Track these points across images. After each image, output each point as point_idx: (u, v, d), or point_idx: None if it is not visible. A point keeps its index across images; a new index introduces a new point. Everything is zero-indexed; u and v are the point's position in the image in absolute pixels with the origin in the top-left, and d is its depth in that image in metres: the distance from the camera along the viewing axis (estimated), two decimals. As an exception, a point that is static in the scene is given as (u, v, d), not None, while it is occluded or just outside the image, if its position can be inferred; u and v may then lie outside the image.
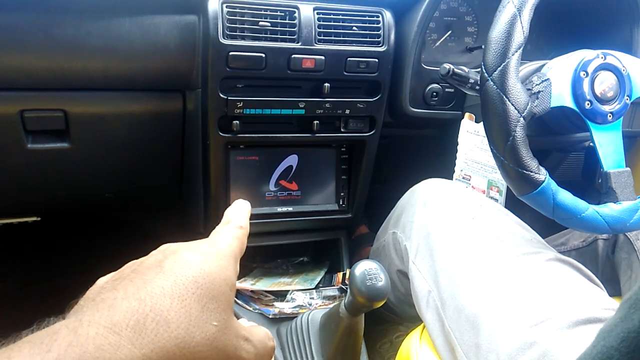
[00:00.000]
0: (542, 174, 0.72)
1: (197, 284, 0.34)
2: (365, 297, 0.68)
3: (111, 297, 0.32)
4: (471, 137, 0.93)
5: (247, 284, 0.91)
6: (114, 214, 1.24)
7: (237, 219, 0.42)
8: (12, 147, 0.81)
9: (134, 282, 0.34)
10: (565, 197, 0.74)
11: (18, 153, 0.82)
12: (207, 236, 0.84)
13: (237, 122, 0.84)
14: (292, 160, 0.93)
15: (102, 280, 0.37)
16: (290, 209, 0.95)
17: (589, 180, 0.97)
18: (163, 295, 0.33)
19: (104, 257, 1.24)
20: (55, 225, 1.25)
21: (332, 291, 0.93)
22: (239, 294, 0.90)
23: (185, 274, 0.34)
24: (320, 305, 0.89)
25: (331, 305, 0.80)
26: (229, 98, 0.82)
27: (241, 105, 0.83)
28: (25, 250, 1.28)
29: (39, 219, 1.09)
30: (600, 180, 0.77)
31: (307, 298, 0.90)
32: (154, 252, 0.38)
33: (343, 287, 0.88)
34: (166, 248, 0.38)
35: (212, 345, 0.34)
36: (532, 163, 0.71)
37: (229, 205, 0.92)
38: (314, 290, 0.92)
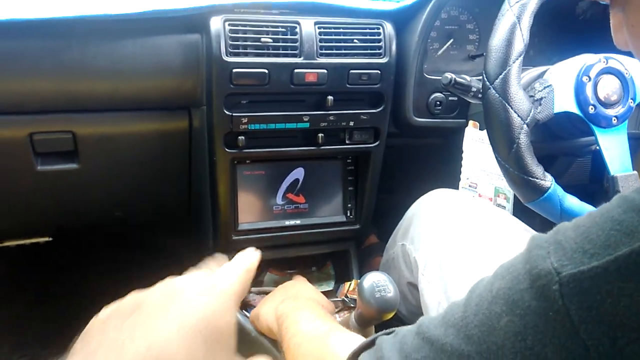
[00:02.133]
0: (547, 180, 0.71)
1: (200, 328, 0.34)
2: (375, 309, 0.68)
3: (119, 339, 0.33)
4: (476, 144, 0.93)
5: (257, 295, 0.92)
6: (124, 232, 1.25)
7: (245, 262, 0.42)
8: (22, 170, 0.83)
9: (140, 325, 0.34)
10: (573, 202, 0.73)
11: (28, 175, 0.83)
12: (216, 252, 0.85)
13: (243, 137, 0.85)
14: (299, 173, 0.94)
15: (104, 314, 0.37)
16: (298, 221, 0.95)
17: (598, 184, 0.96)
18: (169, 341, 0.33)
19: (117, 275, 1.25)
20: (67, 244, 1.26)
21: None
22: (249, 306, 0.90)
23: (190, 318, 0.35)
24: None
25: (339, 318, 0.80)
26: (234, 114, 0.83)
27: (246, 121, 0.84)
28: (38, 271, 1.29)
29: (50, 239, 1.11)
30: (607, 184, 0.77)
31: None
32: (159, 287, 0.38)
33: (345, 299, 0.87)
34: (171, 286, 0.38)
35: None
36: (537, 169, 0.71)
37: (237, 220, 0.92)
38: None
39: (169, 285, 0.38)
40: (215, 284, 0.39)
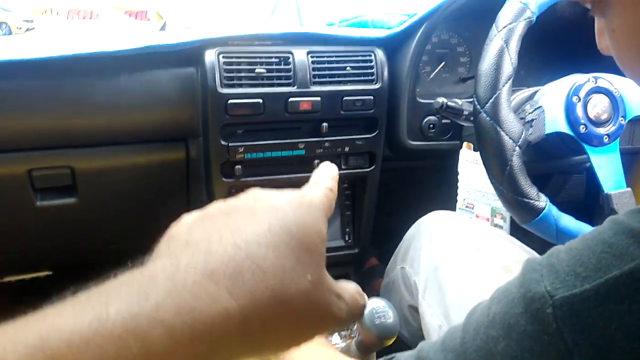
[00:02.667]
0: (542, 201, 0.72)
1: (291, 234, 0.32)
2: (375, 335, 0.68)
3: (205, 241, 0.31)
4: (471, 166, 0.94)
5: None
6: (124, 264, 1.25)
7: (325, 181, 0.40)
8: (21, 206, 0.83)
9: (228, 226, 0.32)
10: (568, 222, 0.74)
11: (27, 211, 0.84)
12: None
13: (240, 167, 0.85)
14: (296, 199, 0.94)
15: (188, 219, 0.35)
16: (297, 247, 0.96)
17: (594, 199, 0.97)
18: (258, 244, 0.31)
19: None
20: (66, 278, 1.26)
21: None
22: None
23: (279, 223, 0.32)
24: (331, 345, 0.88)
25: (339, 345, 0.80)
26: (230, 144, 0.84)
27: (242, 150, 0.85)
28: (39, 306, 1.29)
29: (50, 273, 1.11)
30: (602, 203, 0.78)
31: None
32: (243, 196, 0.36)
33: None
34: (256, 192, 0.36)
35: (306, 300, 0.31)
36: (531, 190, 0.72)
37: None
38: None
39: (254, 194, 0.36)
40: (302, 196, 0.36)
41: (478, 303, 0.43)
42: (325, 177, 0.40)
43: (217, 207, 0.35)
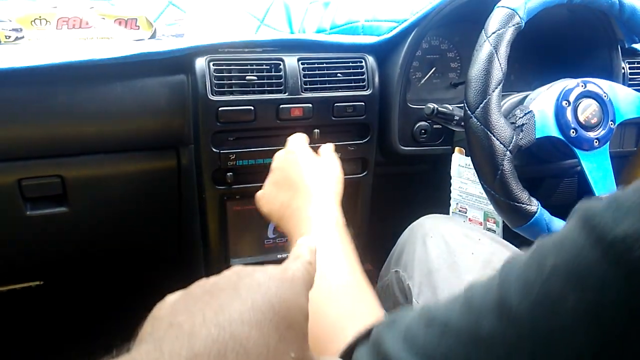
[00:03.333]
0: (533, 205, 0.72)
1: (274, 310, 0.32)
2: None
3: (189, 322, 0.31)
4: (463, 170, 0.94)
5: None
6: (115, 272, 1.24)
7: (305, 255, 0.41)
8: (11, 216, 0.83)
9: (211, 305, 0.32)
10: (560, 225, 0.74)
11: (17, 220, 0.83)
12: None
13: (231, 174, 0.85)
14: (289, 206, 0.94)
15: (171, 299, 0.35)
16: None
17: (586, 203, 0.97)
18: (241, 322, 0.31)
19: (109, 317, 1.24)
20: (58, 287, 1.25)
21: None
22: None
23: (262, 299, 0.33)
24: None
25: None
26: (222, 151, 0.84)
27: (234, 157, 0.84)
28: (31, 316, 1.27)
29: (41, 282, 1.10)
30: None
31: None
32: (226, 273, 0.37)
33: None
34: (239, 270, 0.37)
35: None
36: (522, 195, 0.72)
37: (229, 256, 0.92)
38: None
39: (237, 271, 0.37)
40: (283, 271, 0.37)
41: (507, 263, 0.37)
42: (305, 251, 0.42)
43: (200, 285, 0.36)
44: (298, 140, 0.77)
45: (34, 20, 0.85)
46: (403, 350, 0.34)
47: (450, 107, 0.82)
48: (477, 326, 0.32)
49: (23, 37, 0.84)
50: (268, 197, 0.73)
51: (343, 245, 0.61)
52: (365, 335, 0.40)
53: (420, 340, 0.34)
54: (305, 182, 0.69)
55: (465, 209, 0.96)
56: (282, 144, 0.87)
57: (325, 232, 0.62)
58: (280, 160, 0.74)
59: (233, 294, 0.33)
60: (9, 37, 0.82)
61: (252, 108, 0.82)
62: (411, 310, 0.38)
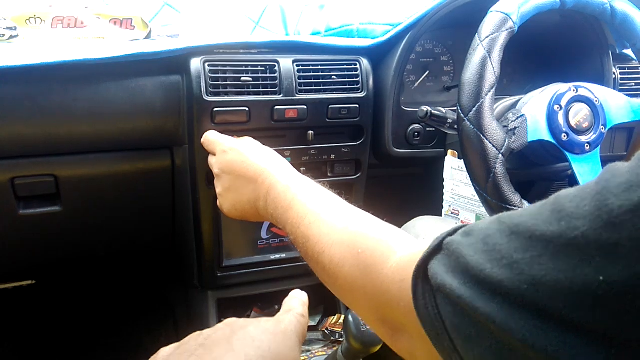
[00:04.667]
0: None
1: None
2: (361, 342, 0.68)
3: None
4: (456, 173, 0.95)
5: None
6: (108, 272, 1.24)
7: (297, 308, 0.43)
8: (3, 214, 0.82)
9: (204, 359, 0.33)
10: (551, 228, 0.75)
11: (10, 220, 0.83)
12: (202, 288, 0.85)
13: (225, 174, 0.85)
14: (282, 207, 0.94)
15: (165, 352, 0.36)
16: (284, 255, 0.96)
17: (576, 207, 0.98)
18: None
19: (102, 317, 1.23)
20: (50, 287, 1.25)
21: (315, 335, 0.93)
22: None
23: (255, 353, 0.33)
24: (318, 352, 0.88)
25: (325, 353, 0.80)
26: (216, 152, 0.84)
27: (228, 158, 0.84)
28: (23, 315, 1.27)
29: (33, 282, 1.09)
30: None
31: None
32: (219, 326, 0.37)
33: (326, 331, 0.87)
34: (233, 322, 0.38)
35: None
36: (514, 198, 0.73)
37: (222, 257, 0.92)
38: None
39: (231, 324, 0.37)
40: (276, 323, 0.38)
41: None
42: (297, 304, 0.43)
43: (194, 338, 0.37)
44: (220, 137, 0.75)
45: (29, 19, 0.85)
46: (486, 261, 0.32)
47: (443, 110, 0.83)
48: (569, 232, 0.28)
49: (17, 35, 0.83)
50: (230, 204, 0.70)
51: (329, 192, 0.60)
52: (437, 249, 0.37)
53: (503, 249, 0.31)
54: (257, 168, 0.67)
55: (458, 211, 0.97)
56: (277, 145, 0.87)
57: (310, 187, 0.61)
58: (221, 164, 0.72)
59: (227, 348, 0.34)
60: (3, 35, 0.82)
61: (246, 109, 0.82)
62: (485, 221, 0.35)
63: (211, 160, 0.75)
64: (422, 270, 0.37)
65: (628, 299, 0.25)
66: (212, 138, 0.76)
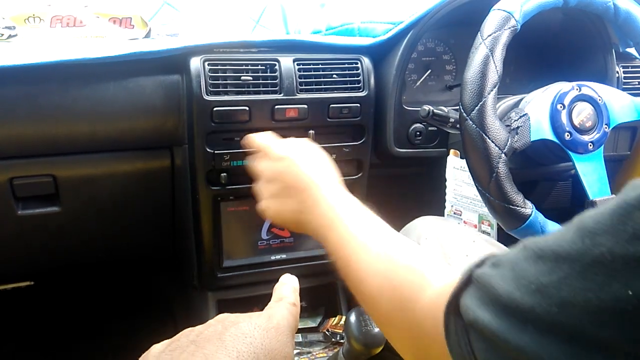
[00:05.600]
0: (528, 208, 0.72)
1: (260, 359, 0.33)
2: (362, 344, 0.68)
3: None
4: (458, 172, 0.94)
5: None
6: (108, 272, 1.23)
7: (288, 296, 0.43)
8: (2, 215, 0.82)
9: (195, 356, 0.33)
10: (554, 228, 0.74)
11: (8, 220, 0.82)
12: (201, 289, 0.84)
13: (225, 174, 0.85)
14: (283, 207, 0.94)
15: (156, 349, 0.35)
16: (284, 256, 0.95)
17: (579, 207, 0.98)
18: None
19: (101, 317, 1.23)
20: (49, 288, 1.24)
21: (315, 336, 0.92)
22: None
23: (247, 349, 0.33)
24: (319, 353, 0.88)
25: (326, 354, 0.79)
26: (216, 152, 0.83)
27: (228, 158, 0.84)
28: (21, 317, 1.26)
29: (32, 283, 1.09)
30: (587, 209, 0.78)
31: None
32: (211, 322, 0.37)
33: (327, 333, 0.87)
34: (224, 318, 0.37)
35: None
36: (517, 197, 0.72)
37: (222, 257, 0.92)
38: (299, 335, 0.91)
39: (222, 320, 0.37)
40: (268, 318, 0.38)
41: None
42: (288, 291, 0.42)
43: (185, 335, 0.36)
44: (272, 143, 0.74)
45: (28, 19, 0.84)
46: (515, 289, 0.32)
47: (445, 109, 0.82)
48: (594, 249, 0.28)
49: (16, 35, 0.83)
50: (275, 210, 0.70)
51: (372, 213, 0.60)
52: (467, 282, 0.38)
53: (531, 274, 0.31)
54: (306, 180, 0.67)
55: (460, 211, 0.96)
56: (277, 144, 0.87)
57: (353, 209, 0.61)
58: (272, 172, 0.71)
59: (218, 344, 0.33)
60: (2, 35, 0.82)
61: (247, 108, 0.82)
62: (512, 251, 0.35)
63: (261, 164, 0.73)
64: (453, 306, 0.38)
65: None
66: (265, 142, 0.74)
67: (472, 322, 0.35)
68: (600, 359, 0.27)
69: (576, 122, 0.77)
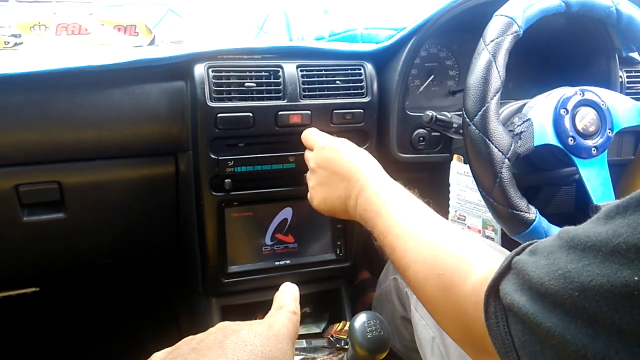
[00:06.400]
0: (532, 213, 0.72)
1: None
2: (367, 349, 0.67)
3: None
4: (462, 178, 0.94)
5: None
6: (113, 278, 1.24)
7: (288, 304, 0.43)
8: (7, 222, 0.82)
9: None
10: (558, 233, 0.74)
11: (14, 227, 0.83)
12: (206, 295, 0.84)
13: (229, 180, 0.85)
14: (287, 213, 0.94)
15: (157, 357, 0.36)
16: (288, 261, 0.95)
17: (583, 212, 0.97)
18: None
19: (106, 323, 1.23)
20: (54, 294, 1.24)
21: (320, 342, 0.92)
22: None
23: (247, 357, 0.34)
24: (323, 359, 0.87)
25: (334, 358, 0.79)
26: (220, 158, 0.83)
27: (232, 164, 0.84)
28: (26, 323, 1.27)
29: (37, 289, 1.09)
30: (591, 214, 0.78)
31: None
32: (212, 330, 0.38)
33: (331, 338, 0.86)
34: (225, 327, 0.38)
35: None
36: (521, 202, 0.72)
37: (226, 263, 0.92)
38: (304, 341, 0.91)
39: (223, 328, 0.38)
40: (269, 327, 0.38)
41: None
42: (288, 299, 0.43)
43: (187, 342, 0.37)
44: (319, 134, 0.79)
45: (34, 26, 0.85)
46: (545, 275, 0.34)
47: (448, 114, 0.82)
48: (614, 239, 0.30)
49: (22, 43, 0.84)
50: (321, 197, 0.74)
51: (417, 199, 0.63)
52: (507, 268, 0.40)
53: (561, 262, 0.33)
54: (351, 167, 0.70)
55: (464, 216, 0.96)
56: (281, 150, 0.87)
57: (399, 195, 0.64)
58: (317, 159, 0.75)
59: (219, 352, 0.34)
60: (8, 42, 0.82)
61: (250, 114, 0.82)
62: (549, 239, 0.38)
63: (308, 154, 0.79)
64: (494, 291, 0.40)
65: None
66: (312, 134, 0.80)
67: (510, 305, 0.37)
68: (616, 341, 0.29)
69: (579, 126, 0.77)
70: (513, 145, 0.72)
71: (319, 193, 0.75)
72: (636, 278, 0.27)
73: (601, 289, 0.29)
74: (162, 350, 0.36)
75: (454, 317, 0.49)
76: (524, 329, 0.36)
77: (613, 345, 0.29)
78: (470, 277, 0.47)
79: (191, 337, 0.37)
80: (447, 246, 0.53)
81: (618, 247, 0.29)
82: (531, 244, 0.40)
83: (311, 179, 0.76)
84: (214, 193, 0.86)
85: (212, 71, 0.81)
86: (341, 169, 0.71)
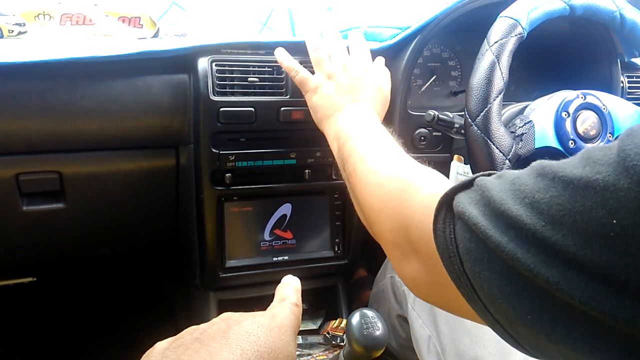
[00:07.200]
0: (531, 215, 0.72)
1: (262, 359, 0.34)
2: (363, 346, 0.68)
3: None
4: (462, 178, 0.94)
5: None
6: (110, 270, 1.24)
7: (291, 297, 0.43)
8: (7, 210, 0.82)
9: (199, 354, 0.33)
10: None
11: (13, 216, 0.83)
12: (203, 289, 0.84)
13: (230, 175, 0.85)
14: (286, 209, 0.94)
15: (160, 346, 0.36)
16: (286, 257, 0.95)
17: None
18: None
19: (103, 315, 1.23)
20: (51, 284, 1.24)
21: (316, 339, 0.92)
22: None
23: (251, 348, 0.34)
24: (319, 356, 0.88)
25: (327, 357, 0.79)
26: (221, 152, 0.84)
27: (233, 158, 0.84)
28: (22, 313, 1.27)
29: (34, 279, 1.09)
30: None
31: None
32: (215, 320, 0.38)
33: (327, 335, 0.87)
34: (229, 317, 0.38)
35: None
36: (521, 204, 0.72)
37: (225, 257, 0.92)
38: (300, 337, 0.91)
39: (227, 318, 0.38)
40: (271, 318, 0.39)
41: None
42: (290, 292, 0.43)
43: (190, 332, 0.37)
44: (366, 50, 0.81)
45: (38, 16, 0.85)
46: (509, 198, 0.33)
47: (450, 114, 0.82)
48: (591, 176, 0.29)
49: (26, 32, 0.83)
50: (325, 92, 0.76)
51: (388, 138, 0.66)
52: (468, 184, 0.40)
53: (527, 188, 0.33)
54: (364, 93, 0.75)
55: (462, 217, 0.96)
56: (283, 146, 0.88)
57: (370, 130, 0.68)
58: (351, 65, 0.77)
59: (222, 342, 0.34)
60: (12, 31, 0.82)
61: (253, 110, 0.82)
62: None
63: (327, 63, 0.78)
64: (448, 199, 0.40)
65: (635, 242, 0.27)
66: (359, 44, 0.82)
67: (460, 213, 0.37)
68: (574, 274, 0.29)
69: (580, 130, 0.77)
70: (514, 146, 0.73)
71: (328, 88, 0.76)
72: (614, 221, 0.27)
73: (574, 225, 0.29)
74: (165, 340, 0.37)
75: (396, 216, 0.50)
76: (471, 237, 0.36)
77: (569, 277, 0.29)
78: (431, 188, 0.48)
79: (194, 327, 0.37)
80: (416, 165, 0.57)
81: (594, 183, 0.29)
82: (501, 171, 0.40)
83: (330, 71, 0.77)
84: (214, 187, 0.86)
85: (216, 65, 0.81)
86: (356, 85, 0.75)
